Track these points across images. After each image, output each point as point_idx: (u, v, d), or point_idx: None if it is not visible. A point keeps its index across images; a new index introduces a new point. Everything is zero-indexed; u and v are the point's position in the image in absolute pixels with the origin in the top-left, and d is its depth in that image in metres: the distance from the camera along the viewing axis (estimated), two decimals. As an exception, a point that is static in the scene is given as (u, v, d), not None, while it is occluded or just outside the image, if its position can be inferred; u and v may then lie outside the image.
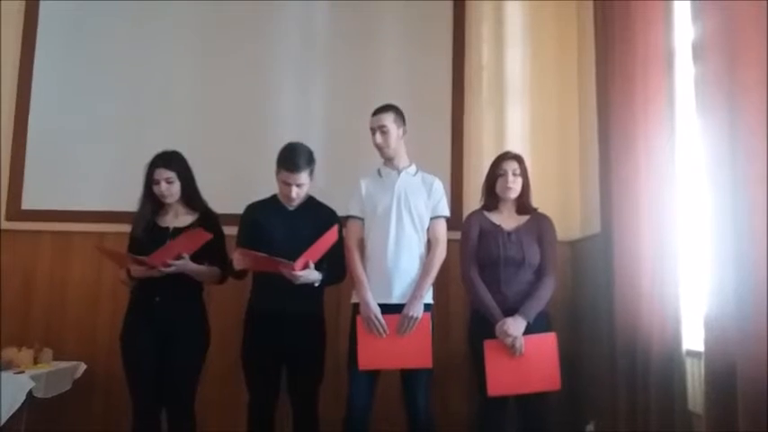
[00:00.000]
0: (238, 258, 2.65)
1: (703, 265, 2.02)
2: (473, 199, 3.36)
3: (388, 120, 2.81)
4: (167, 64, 3.78)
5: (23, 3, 3.79)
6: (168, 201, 2.83)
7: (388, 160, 2.86)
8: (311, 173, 2.79)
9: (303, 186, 2.77)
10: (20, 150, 3.70)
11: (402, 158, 2.88)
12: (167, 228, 2.84)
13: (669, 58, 2.51)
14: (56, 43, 3.80)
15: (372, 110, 2.87)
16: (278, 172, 2.77)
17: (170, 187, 2.80)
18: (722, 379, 1.86)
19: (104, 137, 3.71)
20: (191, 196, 2.87)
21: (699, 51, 2.09)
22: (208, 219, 2.87)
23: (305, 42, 3.79)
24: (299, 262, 2.55)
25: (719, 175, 1.92)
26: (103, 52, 3.78)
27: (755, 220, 1.75)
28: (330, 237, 2.62)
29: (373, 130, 2.82)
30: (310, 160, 2.78)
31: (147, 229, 2.81)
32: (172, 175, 2.80)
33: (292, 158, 2.74)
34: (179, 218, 2.87)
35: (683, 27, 2.42)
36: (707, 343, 1.97)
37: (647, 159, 2.51)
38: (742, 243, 1.80)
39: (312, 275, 2.65)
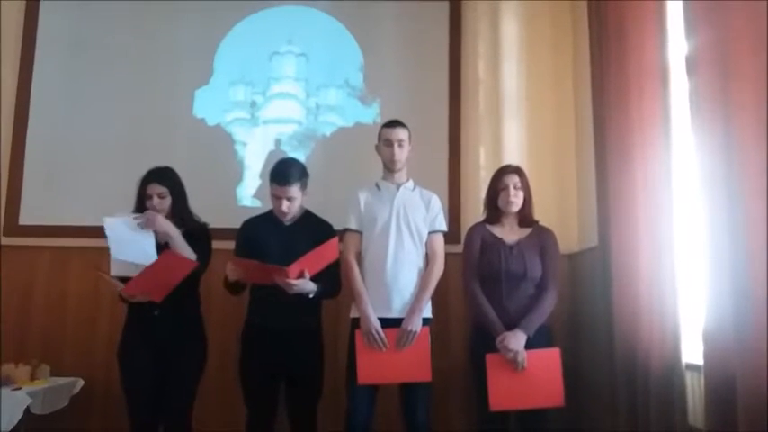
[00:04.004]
0: (231, 268, 2.62)
1: (701, 278, 2.02)
2: (471, 212, 3.38)
3: (406, 134, 2.84)
4: (168, 78, 3.79)
5: (20, 25, 3.81)
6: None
7: (391, 174, 2.87)
8: (303, 187, 2.78)
9: (294, 200, 2.76)
10: (18, 165, 3.70)
11: (402, 173, 2.88)
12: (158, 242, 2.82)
13: (664, 72, 2.52)
14: (54, 59, 3.81)
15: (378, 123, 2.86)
16: (270, 186, 2.78)
17: (162, 202, 2.79)
18: (722, 392, 1.86)
19: (103, 152, 3.71)
20: (180, 212, 2.84)
21: (693, 65, 2.11)
22: (193, 231, 2.83)
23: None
24: (294, 268, 2.53)
25: (716, 188, 1.93)
26: (103, 68, 3.80)
27: (752, 233, 1.76)
28: (329, 251, 2.61)
29: (389, 143, 2.83)
30: (302, 174, 2.78)
31: None
32: (164, 190, 2.79)
33: (282, 172, 2.74)
34: None
35: (678, 41, 2.44)
36: (706, 356, 1.97)
37: (644, 172, 2.52)
38: (739, 256, 1.80)
39: (307, 286, 2.61)
